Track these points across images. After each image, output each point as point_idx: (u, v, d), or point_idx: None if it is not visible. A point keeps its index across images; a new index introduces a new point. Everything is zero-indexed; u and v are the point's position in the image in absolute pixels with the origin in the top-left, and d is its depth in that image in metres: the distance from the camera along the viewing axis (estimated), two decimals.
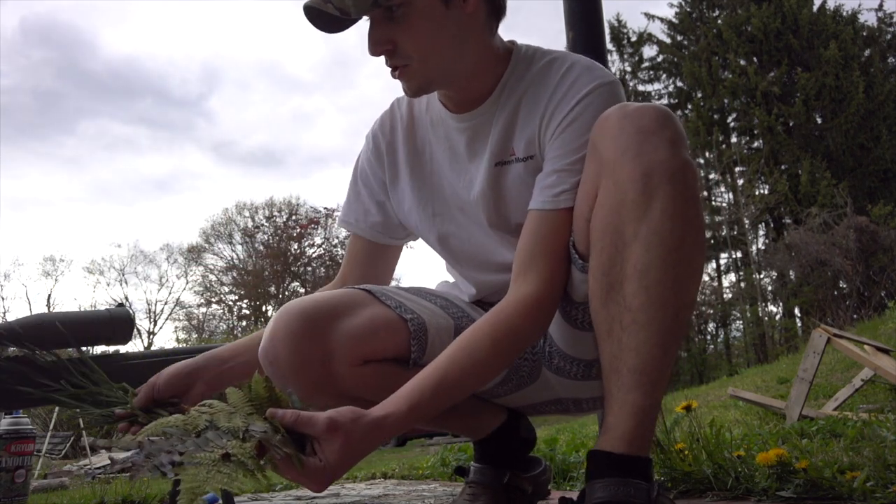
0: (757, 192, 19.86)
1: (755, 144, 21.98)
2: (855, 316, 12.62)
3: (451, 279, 1.33)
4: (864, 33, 21.30)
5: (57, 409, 10.14)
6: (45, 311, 2.86)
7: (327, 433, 0.82)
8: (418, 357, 1.08)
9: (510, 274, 1.05)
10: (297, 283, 27.28)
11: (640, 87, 23.44)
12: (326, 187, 43.61)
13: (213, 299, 27.37)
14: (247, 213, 27.51)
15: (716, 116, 21.99)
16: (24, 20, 37.27)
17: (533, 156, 1.07)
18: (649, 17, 23.82)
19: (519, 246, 1.03)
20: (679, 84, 23.28)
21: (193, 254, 27.24)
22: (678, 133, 0.88)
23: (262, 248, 27.25)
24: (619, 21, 23.63)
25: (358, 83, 39.23)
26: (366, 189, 1.28)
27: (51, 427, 9.88)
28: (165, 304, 27.49)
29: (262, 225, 27.24)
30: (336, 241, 26.13)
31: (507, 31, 1.14)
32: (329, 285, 1.31)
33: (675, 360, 0.88)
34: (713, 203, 21.41)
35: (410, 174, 1.21)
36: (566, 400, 1.21)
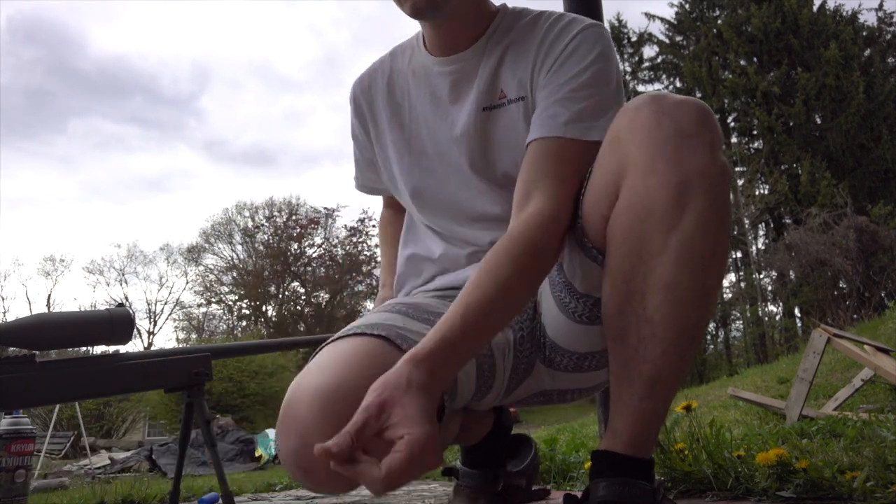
0: (757, 192, 19.85)
1: (755, 144, 21.97)
2: (855, 316, 12.60)
3: (405, 253, 1.24)
4: (864, 33, 21.28)
5: (57, 408, 10.12)
6: (45, 311, 2.86)
7: None
8: (451, 400, 0.97)
9: (486, 225, 1.04)
10: (297, 283, 27.29)
11: (640, 88, 23.43)
12: (320, 186, 43.65)
13: (213, 299, 27.40)
14: (247, 213, 27.55)
15: (716, 116, 21.99)
16: (10, 19, 37.35)
17: (525, 97, 1.05)
18: (649, 17, 23.85)
19: (518, 180, 0.96)
20: (679, 84, 23.26)
21: (193, 254, 27.27)
22: (718, 135, 0.82)
23: (262, 248, 27.26)
24: (619, 21, 23.63)
25: (350, 82, 39.28)
26: (360, 152, 1.27)
27: (51, 427, 9.88)
28: (165, 304, 27.55)
29: (262, 225, 27.29)
30: (336, 241, 26.15)
31: None
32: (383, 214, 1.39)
33: (690, 365, 0.84)
34: None
35: (390, 129, 1.19)
36: (551, 392, 1.17)
